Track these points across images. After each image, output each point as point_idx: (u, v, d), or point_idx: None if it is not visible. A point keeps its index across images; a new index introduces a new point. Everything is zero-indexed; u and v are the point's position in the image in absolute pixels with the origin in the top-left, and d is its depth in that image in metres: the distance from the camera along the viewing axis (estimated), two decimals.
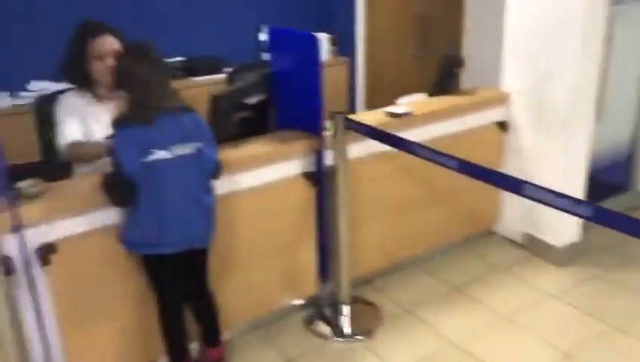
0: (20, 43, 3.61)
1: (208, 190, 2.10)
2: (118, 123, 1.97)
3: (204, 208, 2.09)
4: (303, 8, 4.55)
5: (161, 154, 1.94)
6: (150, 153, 1.93)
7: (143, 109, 1.94)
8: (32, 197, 2.01)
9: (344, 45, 4.42)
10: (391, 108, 2.87)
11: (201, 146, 2.03)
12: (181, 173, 1.99)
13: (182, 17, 4.06)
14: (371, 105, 4.48)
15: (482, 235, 3.49)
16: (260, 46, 4.35)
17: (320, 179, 2.62)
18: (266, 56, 4.36)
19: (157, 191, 1.96)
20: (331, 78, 3.71)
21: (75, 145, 2.47)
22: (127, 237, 2.06)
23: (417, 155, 2.27)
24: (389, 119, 2.81)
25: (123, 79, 1.98)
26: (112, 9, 3.79)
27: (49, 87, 3.60)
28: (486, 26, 4.47)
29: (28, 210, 1.95)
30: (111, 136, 1.99)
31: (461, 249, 3.36)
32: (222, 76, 3.98)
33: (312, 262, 2.74)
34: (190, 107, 2.05)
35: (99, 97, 2.58)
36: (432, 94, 3.24)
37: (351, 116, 2.58)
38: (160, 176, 1.96)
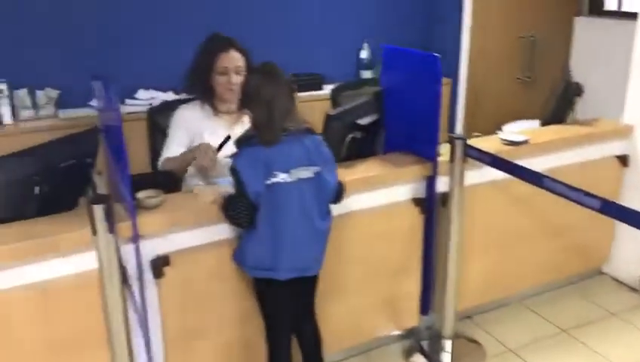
0: (129, 51, 3.70)
1: (325, 215, 2.04)
2: (243, 142, 1.95)
3: (321, 234, 2.03)
4: (406, 25, 4.47)
5: (282, 177, 1.90)
6: (272, 175, 1.89)
7: (268, 130, 1.91)
8: (150, 208, 2.02)
9: (445, 65, 4.29)
10: (506, 136, 2.72)
11: (322, 170, 1.97)
12: (300, 197, 1.94)
13: (282, 33, 4.07)
14: (471, 129, 4.32)
15: (591, 275, 3.27)
16: (360, 63, 4.29)
17: (430, 206, 2.51)
18: (366, 74, 4.33)
19: (276, 214, 1.92)
20: None
21: (169, 160, 2.49)
22: (241, 257, 2.03)
23: (544, 188, 2.12)
24: (504, 147, 2.66)
25: (249, 98, 1.95)
26: (219, 24, 3.84)
27: (157, 96, 3.69)
28: (598, 51, 4.25)
29: (146, 221, 1.95)
30: (233, 156, 1.97)
31: (569, 288, 3.15)
32: (323, 93, 3.95)
33: (416, 292, 2.63)
34: (313, 129, 2.00)
35: (218, 111, 2.60)
36: (546, 122, 3.07)
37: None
38: (280, 200, 1.91)
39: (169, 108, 2.77)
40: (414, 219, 2.51)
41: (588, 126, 3.00)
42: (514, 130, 3.54)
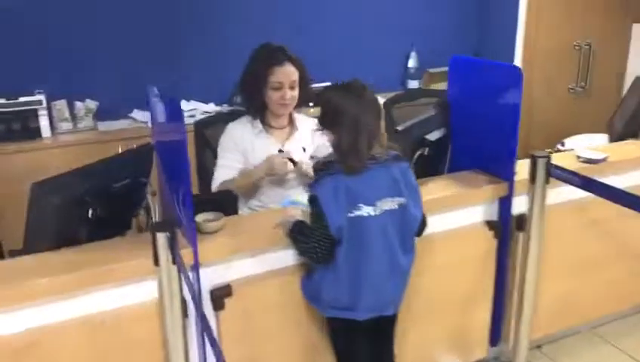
0: (169, 61, 3.56)
1: (409, 250, 1.84)
2: (323, 169, 1.76)
3: (403, 270, 1.84)
4: (454, 34, 4.28)
5: (367, 211, 1.71)
6: (356, 208, 1.70)
7: (353, 156, 1.71)
8: (210, 233, 1.84)
9: None
10: (583, 153, 2.51)
11: (407, 202, 1.78)
12: (384, 232, 1.75)
13: (326, 41, 3.89)
14: (525, 144, 4.10)
15: None
16: (407, 73, 4.11)
17: (505, 229, 2.30)
18: (412, 84, 4.14)
19: (357, 250, 1.73)
20: None
21: (225, 184, 2.33)
22: (314, 294, 1.85)
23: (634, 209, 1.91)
24: (581, 165, 2.46)
25: (332, 118, 1.75)
26: (262, 33, 3.68)
27: (198, 107, 3.54)
28: None
29: (206, 248, 1.77)
30: (312, 184, 1.78)
31: None
32: None
33: (486, 322, 2.42)
34: (400, 155, 1.81)
35: (270, 127, 2.43)
36: (619, 137, 2.85)
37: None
38: (362, 235, 1.72)
39: (219, 121, 2.61)
40: (487, 244, 2.31)
41: None
42: (579, 145, 3.33)
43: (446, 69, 4.19)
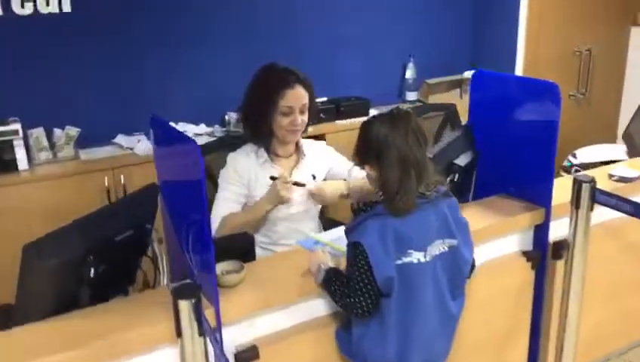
0: (154, 80, 3.29)
1: (458, 295, 1.64)
2: (366, 210, 1.55)
3: (453, 319, 1.64)
4: (453, 43, 4.10)
5: (417, 257, 1.50)
6: (405, 254, 1.50)
7: (402, 195, 1.50)
8: (231, 286, 1.61)
9: None
10: (617, 171, 2.35)
11: (458, 243, 1.58)
12: (435, 279, 1.55)
13: (323, 54, 3.67)
14: None
15: None
16: (405, 84, 3.91)
17: (544, 259, 2.12)
18: (410, 96, 3.95)
19: (406, 301, 1.52)
20: None
21: (228, 219, 2.09)
22: (355, 351, 1.62)
23: None
24: (616, 184, 2.29)
25: (378, 154, 1.53)
26: (254, 49, 3.46)
27: (188, 129, 3.29)
28: None
29: (228, 305, 1.54)
30: (353, 228, 1.56)
31: None
32: None
33: (524, 360, 2.23)
34: (449, 191, 1.61)
35: (276, 155, 2.20)
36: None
37: None
38: (412, 284, 1.51)
39: (222, 146, 2.38)
40: (525, 276, 2.12)
41: None
42: (592, 157, 3.19)
43: (445, 79, 4.08)
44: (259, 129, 2.15)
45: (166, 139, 1.71)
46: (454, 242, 1.58)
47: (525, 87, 2.11)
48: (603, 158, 3.03)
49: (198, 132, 3.29)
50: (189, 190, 1.52)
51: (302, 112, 2.12)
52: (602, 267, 2.33)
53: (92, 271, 1.50)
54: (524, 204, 2.11)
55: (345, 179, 2.20)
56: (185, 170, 1.55)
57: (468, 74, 3.90)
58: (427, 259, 1.52)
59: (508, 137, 2.15)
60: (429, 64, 3.93)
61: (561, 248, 2.12)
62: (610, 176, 2.34)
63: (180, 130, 3.25)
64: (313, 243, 1.89)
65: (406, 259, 1.50)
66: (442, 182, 1.61)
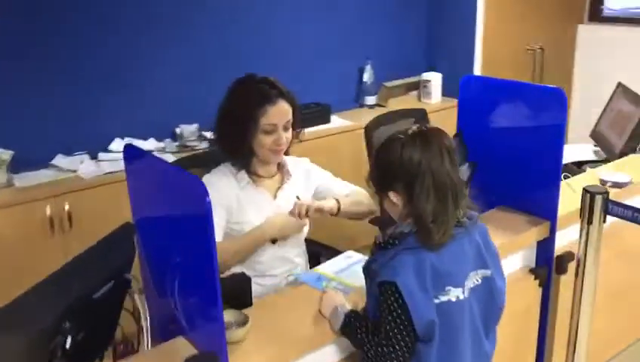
0: (96, 91, 2.95)
1: (491, 330, 1.47)
2: (397, 244, 1.34)
3: (488, 359, 1.47)
4: (410, 45, 3.97)
5: (455, 293, 1.33)
6: (443, 292, 1.31)
7: (438, 226, 1.31)
8: (234, 342, 1.37)
9: (454, 85, 3.82)
10: (608, 176, 2.27)
11: (492, 273, 1.42)
12: (471, 316, 1.38)
13: (275, 59, 3.43)
14: None
15: None
16: (363, 88, 3.73)
17: (549, 276, 2.00)
18: (369, 100, 3.77)
19: (446, 347, 1.33)
20: (439, 125, 3.10)
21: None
22: None
23: None
24: (610, 189, 2.19)
25: (408, 181, 1.33)
26: (205, 54, 3.19)
27: (138, 146, 2.95)
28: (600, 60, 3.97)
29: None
30: (379, 263, 1.35)
31: None
32: (331, 127, 3.37)
33: None
34: (476, 215, 1.43)
35: (257, 176, 1.96)
36: (622, 152, 2.63)
37: None
38: (450, 325, 1.33)
39: (197, 164, 2.12)
40: (531, 294, 2.00)
41: None
42: (566, 157, 3.13)
43: (403, 81, 3.94)
44: (237, 150, 1.90)
45: (148, 170, 1.44)
46: (488, 273, 1.42)
47: (524, 93, 1.97)
48: (572, 159, 2.96)
49: (149, 148, 2.97)
50: (188, 226, 1.28)
51: (286, 129, 1.90)
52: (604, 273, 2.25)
53: (69, 340, 1.22)
54: (527, 217, 1.98)
55: (337, 200, 1.99)
56: (180, 204, 1.30)
57: (426, 75, 3.79)
58: (465, 295, 1.35)
59: (505, 146, 2.02)
60: (387, 67, 3.78)
61: (565, 261, 2.01)
62: (603, 181, 2.26)
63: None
64: (317, 277, 1.68)
65: (444, 298, 1.32)
66: (472, 206, 1.43)
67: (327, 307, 1.45)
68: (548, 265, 1.99)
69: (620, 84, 2.96)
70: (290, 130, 1.93)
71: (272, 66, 3.32)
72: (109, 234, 1.46)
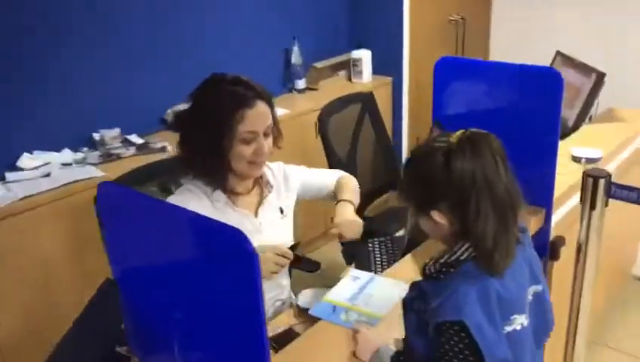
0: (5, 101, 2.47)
1: (538, 357, 1.32)
2: (454, 273, 1.14)
3: None
4: (337, 22, 3.74)
5: (520, 321, 1.16)
6: (509, 321, 1.14)
7: (502, 249, 1.12)
8: None
9: (384, 62, 3.67)
10: (578, 152, 2.22)
11: (543, 288, 1.27)
12: (530, 341, 1.23)
13: (200, 48, 3.08)
14: (415, 131, 3.81)
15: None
16: (292, 72, 3.47)
17: (545, 265, 1.91)
18: (300, 84, 3.52)
19: None
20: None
21: None
22: None
23: None
24: (587, 166, 2.16)
25: (456, 197, 1.12)
26: (117, 45, 2.77)
27: (51, 160, 2.53)
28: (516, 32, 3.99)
29: None
30: (441, 302, 1.14)
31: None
32: None
33: None
34: (525, 226, 1.27)
35: (234, 194, 1.68)
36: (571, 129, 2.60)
37: None
38: (518, 357, 1.16)
39: (152, 178, 1.80)
40: None
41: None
42: None
43: (332, 61, 3.70)
44: (212, 167, 1.60)
45: (136, 210, 1.13)
46: (539, 288, 1.28)
47: (512, 75, 1.83)
48: None
49: (65, 161, 2.54)
50: (224, 281, 0.99)
51: (267, 136, 1.62)
52: None
53: None
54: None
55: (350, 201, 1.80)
56: (204, 253, 1.01)
57: (356, 53, 3.60)
58: (528, 320, 1.20)
59: (491, 132, 1.88)
60: (313, 47, 3.54)
61: (558, 247, 1.94)
62: (576, 158, 2.21)
63: (39, 162, 2.50)
64: (331, 309, 1.45)
65: (509, 328, 1.16)
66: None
67: (366, 351, 1.24)
68: (543, 252, 1.90)
69: (558, 53, 2.94)
70: (271, 136, 1.66)
71: (193, 55, 2.99)
72: (89, 302, 1.14)
